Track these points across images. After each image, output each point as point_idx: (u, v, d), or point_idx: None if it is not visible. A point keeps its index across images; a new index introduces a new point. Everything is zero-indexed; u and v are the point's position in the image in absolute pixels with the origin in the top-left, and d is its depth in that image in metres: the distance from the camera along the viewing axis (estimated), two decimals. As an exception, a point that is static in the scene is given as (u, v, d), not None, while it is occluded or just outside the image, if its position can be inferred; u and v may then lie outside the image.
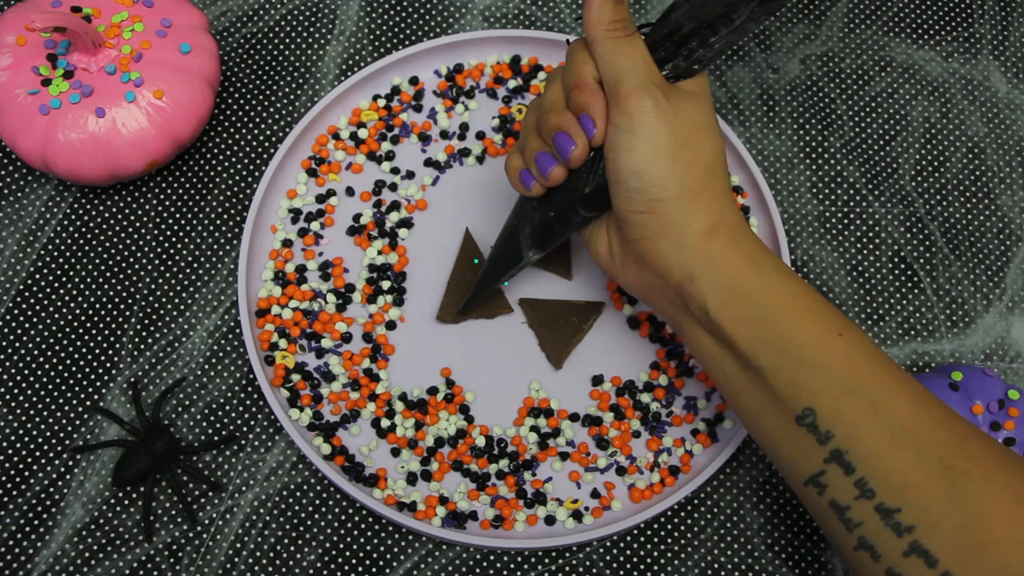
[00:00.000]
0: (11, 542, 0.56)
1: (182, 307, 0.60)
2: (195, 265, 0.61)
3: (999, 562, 0.41)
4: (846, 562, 0.46)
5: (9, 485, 0.57)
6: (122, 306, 0.60)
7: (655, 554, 0.57)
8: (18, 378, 0.59)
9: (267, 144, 0.64)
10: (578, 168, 0.49)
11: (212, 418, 0.58)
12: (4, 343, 0.59)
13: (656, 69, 0.47)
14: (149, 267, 0.61)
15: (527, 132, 0.51)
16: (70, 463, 0.57)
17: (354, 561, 0.56)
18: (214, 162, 0.63)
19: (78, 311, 0.60)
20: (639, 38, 0.47)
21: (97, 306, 0.60)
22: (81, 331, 0.60)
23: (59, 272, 0.61)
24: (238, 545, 0.56)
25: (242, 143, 0.64)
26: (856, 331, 0.47)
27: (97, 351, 0.59)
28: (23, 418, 0.58)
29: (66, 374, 0.59)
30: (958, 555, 0.42)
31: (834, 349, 0.45)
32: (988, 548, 0.41)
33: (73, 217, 0.62)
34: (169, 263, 0.61)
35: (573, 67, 0.49)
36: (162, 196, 0.63)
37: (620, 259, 0.51)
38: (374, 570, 0.56)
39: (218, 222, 0.62)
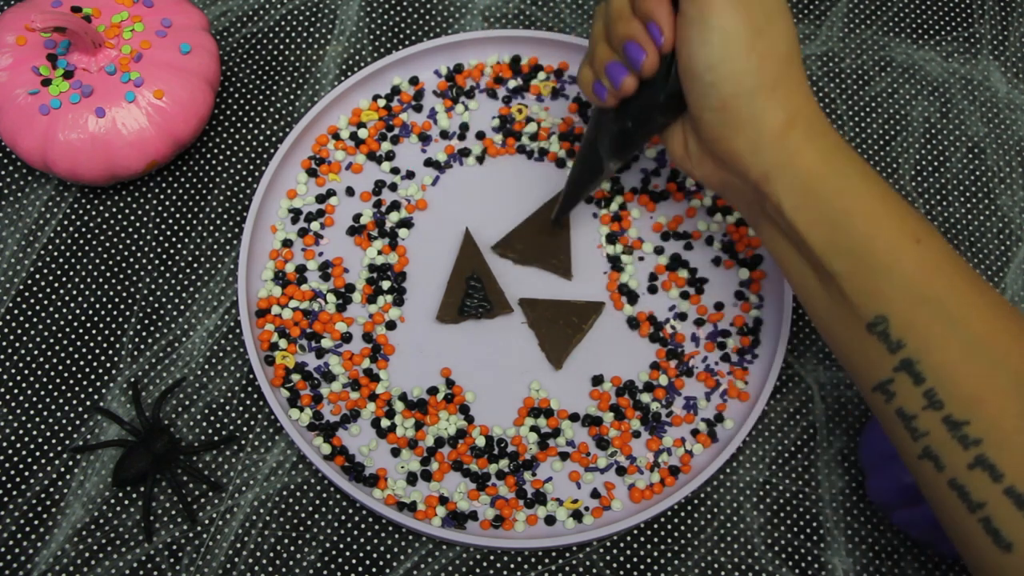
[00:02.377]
0: (11, 542, 0.56)
1: (182, 307, 0.60)
2: (195, 265, 0.61)
3: None
4: (909, 468, 0.45)
5: (9, 485, 0.57)
6: (122, 306, 0.60)
7: (655, 554, 0.57)
8: (18, 378, 0.59)
9: (267, 144, 0.64)
10: (651, 75, 0.48)
11: (212, 418, 0.58)
12: (4, 343, 0.59)
13: None
14: (149, 267, 0.61)
15: (595, 41, 0.50)
16: (70, 463, 0.57)
17: (354, 561, 0.56)
18: (214, 162, 0.63)
19: (78, 311, 0.60)
20: None
21: (97, 306, 0.60)
22: (81, 331, 0.60)
23: (59, 272, 0.61)
24: (238, 545, 0.56)
25: (242, 143, 0.64)
26: (936, 237, 0.45)
27: (97, 351, 0.59)
28: (23, 418, 0.58)
29: (66, 374, 0.59)
30: None
31: (910, 256, 0.44)
32: None
33: (73, 217, 0.62)
34: (169, 263, 0.61)
35: None
36: (162, 196, 0.63)
37: (697, 157, 0.50)
38: (374, 570, 0.56)
39: (218, 222, 0.62)
